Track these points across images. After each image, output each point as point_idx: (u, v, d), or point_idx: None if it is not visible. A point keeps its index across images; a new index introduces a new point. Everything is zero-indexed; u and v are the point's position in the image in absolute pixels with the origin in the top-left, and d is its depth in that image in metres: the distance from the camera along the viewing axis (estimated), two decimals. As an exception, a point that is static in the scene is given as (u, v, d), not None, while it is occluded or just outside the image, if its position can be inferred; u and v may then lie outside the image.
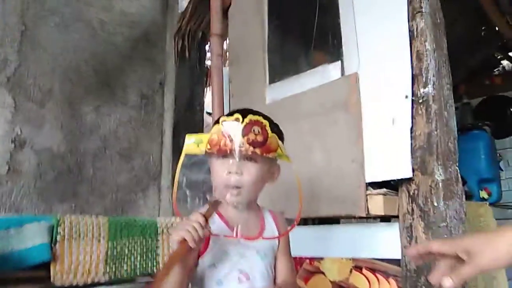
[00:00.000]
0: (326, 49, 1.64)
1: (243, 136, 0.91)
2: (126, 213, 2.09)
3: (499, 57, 4.10)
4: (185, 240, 0.83)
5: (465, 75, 3.55)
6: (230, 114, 0.96)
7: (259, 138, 0.93)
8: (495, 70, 4.17)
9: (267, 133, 0.94)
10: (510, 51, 3.81)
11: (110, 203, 2.03)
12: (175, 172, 0.97)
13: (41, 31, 1.89)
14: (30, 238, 1.26)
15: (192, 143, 0.94)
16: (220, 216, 1.00)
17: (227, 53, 2.76)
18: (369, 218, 1.45)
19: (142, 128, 2.26)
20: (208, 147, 0.93)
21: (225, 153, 0.92)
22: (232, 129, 0.91)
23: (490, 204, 2.05)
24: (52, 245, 1.33)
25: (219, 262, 0.95)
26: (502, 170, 3.11)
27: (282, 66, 1.84)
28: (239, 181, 0.94)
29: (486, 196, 2.49)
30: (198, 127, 2.51)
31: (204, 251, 0.96)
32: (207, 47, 2.74)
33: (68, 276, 1.34)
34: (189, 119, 2.47)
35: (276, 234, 1.04)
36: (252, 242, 0.99)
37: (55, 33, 1.94)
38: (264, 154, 0.94)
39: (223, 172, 0.94)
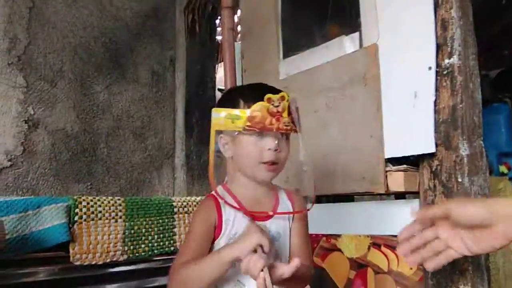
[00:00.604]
0: (343, 20, 1.57)
1: (288, 114, 0.91)
2: (141, 193, 2.10)
3: (520, 26, 3.94)
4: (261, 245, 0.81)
5: (484, 46, 3.42)
6: (263, 90, 0.92)
7: (296, 116, 0.94)
8: (515, 40, 4.02)
9: (298, 111, 0.96)
10: (533, 19, 3.65)
11: (125, 182, 2.04)
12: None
13: (49, 7, 1.85)
14: (48, 219, 1.27)
15: (224, 118, 0.90)
16: (234, 197, 0.97)
17: (238, 26, 2.69)
18: (383, 195, 1.42)
19: (154, 106, 2.24)
20: (248, 124, 0.88)
21: (267, 131, 0.90)
22: (280, 107, 0.89)
23: (510, 178, 2.00)
24: (70, 225, 1.33)
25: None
26: (521, 143, 3.02)
27: (297, 40, 1.78)
28: (277, 157, 0.93)
29: (505, 171, 2.43)
30: (210, 104, 2.48)
31: (219, 235, 0.94)
32: (217, 21, 2.68)
33: (87, 256, 1.35)
34: (201, 96, 2.44)
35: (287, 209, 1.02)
36: (266, 222, 0.96)
37: (64, 9, 1.90)
38: (298, 132, 0.95)
39: (260, 149, 0.92)
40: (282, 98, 0.90)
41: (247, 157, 0.93)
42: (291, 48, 1.78)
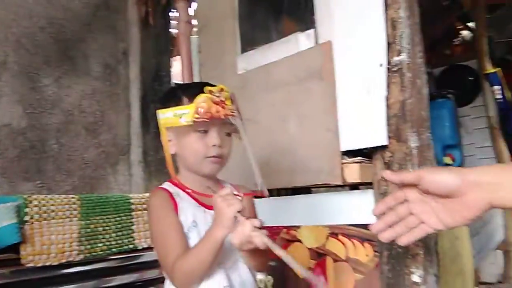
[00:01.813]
0: (298, 17, 1.61)
1: (232, 103, 0.97)
2: (96, 190, 2.02)
3: (459, 27, 4.23)
4: (239, 211, 0.86)
5: (428, 45, 3.65)
6: (200, 85, 0.98)
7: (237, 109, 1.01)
8: (455, 40, 4.31)
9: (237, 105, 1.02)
10: (470, 22, 3.94)
11: (79, 180, 1.95)
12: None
13: (-11, -5, 1.72)
14: (-3, 220, 1.20)
15: (172, 117, 0.95)
16: (183, 188, 1.02)
17: (194, 20, 2.65)
18: (339, 187, 1.49)
19: (107, 101, 2.16)
20: (197, 116, 0.92)
21: (217, 120, 0.95)
22: (222, 97, 0.95)
23: (453, 168, 2.15)
24: (21, 226, 1.26)
25: (190, 232, 0.96)
26: (461, 137, 3.27)
27: (254, 35, 1.79)
28: (221, 153, 0.99)
29: (450, 162, 2.61)
30: (166, 99, 2.43)
31: None
32: (172, 14, 2.62)
33: (40, 257, 1.29)
34: (157, 90, 2.39)
35: None
36: None
37: (6, -3, 1.77)
38: (242, 123, 1.00)
39: (204, 145, 0.97)
40: (222, 89, 0.96)
41: (192, 153, 0.98)
42: (249, 42, 1.79)
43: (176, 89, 1.12)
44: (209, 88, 0.95)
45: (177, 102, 0.98)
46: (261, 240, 0.84)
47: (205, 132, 0.97)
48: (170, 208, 0.97)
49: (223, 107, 0.94)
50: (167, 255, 0.93)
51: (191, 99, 0.95)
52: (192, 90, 0.98)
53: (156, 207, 0.99)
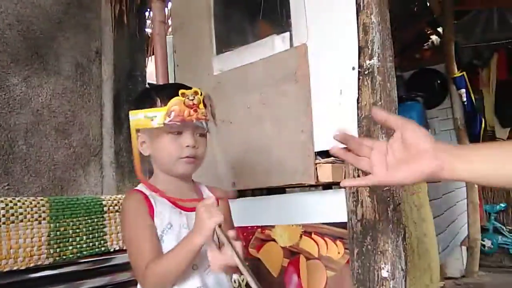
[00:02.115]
0: (274, 20, 1.63)
1: (204, 107, 0.97)
2: (66, 192, 1.97)
3: (428, 32, 4.38)
4: (220, 225, 0.87)
5: (398, 49, 3.76)
6: (175, 87, 0.98)
7: (212, 111, 1.02)
8: (425, 44, 4.47)
9: (213, 106, 1.03)
10: (439, 27, 4.09)
11: (48, 182, 1.90)
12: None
13: (-47, -10, 1.65)
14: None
15: (143, 118, 0.95)
16: (158, 191, 1.00)
17: (169, 20, 2.63)
18: (312, 187, 1.51)
19: (79, 100, 2.11)
20: (168, 119, 0.93)
21: (189, 123, 0.95)
22: (195, 100, 0.95)
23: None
24: (-13, 229, 1.22)
25: (165, 234, 0.96)
26: (430, 137, 3.39)
27: (230, 36, 1.80)
28: (195, 153, 0.99)
29: (418, 162, 2.70)
30: (140, 99, 2.40)
31: None
32: (146, 14, 2.59)
33: (7, 261, 1.24)
34: (131, 90, 2.35)
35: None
36: (193, 213, 0.99)
37: (-29, -8, 1.71)
38: (216, 126, 1.03)
39: (178, 146, 0.97)
40: (196, 92, 0.96)
41: (166, 154, 0.99)
42: (224, 44, 1.80)
43: (150, 90, 1.11)
44: (182, 90, 0.94)
45: (151, 104, 0.98)
46: (234, 261, 0.86)
47: (179, 133, 0.97)
48: (145, 211, 0.96)
49: (195, 111, 0.94)
50: (139, 258, 0.92)
51: (164, 101, 0.95)
52: (165, 92, 0.98)
53: (130, 210, 0.98)
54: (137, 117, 0.95)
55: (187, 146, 0.97)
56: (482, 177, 0.71)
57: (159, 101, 0.98)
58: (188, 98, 0.94)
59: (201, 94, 0.97)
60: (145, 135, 1.00)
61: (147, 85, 2.54)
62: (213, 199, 0.92)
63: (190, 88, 0.98)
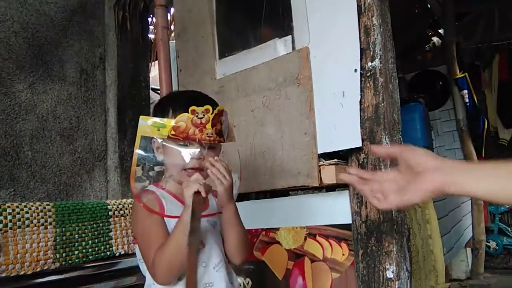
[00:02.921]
0: (276, 23, 1.64)
1: (212, 126, 0.96)
2: (71, 197, 1.99)
3: (430, 33, 4.39)
4: (198, 192, 0.90)
5: (400, 51, 3.77)
6: (190, 99, 1.00)
7: (224, 127, 1.01)
8: (426, 46, 4.47)
9: (228, 121, 1.03)
10: (440, 28, 4.10)
11: (53, 187, 1.91)
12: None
13: (-41, -1, 1.68)
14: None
15: (150, 126, 0.95)
16: (169, 192, 1.04)
17: (172, 25, 2.65)
18: (316, 189, 1.52)
19: (83, 106, 2.13)
20: (173, 133, 0.94)
21: (191, 141, 0.96)
22: (203, 119, 0.95)
23: (425, 170, 2.22)
24: (-5, 234, 1.23)
25: None
26: (433, 139, 3.39)
27: (232, 40, 1.82)
28: (201, 165, 1.00)
29: (421, 163, 2.70)
30: (143, 104, 2.42)
31: None
32: (149, 20, 2.62)
33: (14, 266, 1.25)
34: (134, 95, 2.37)
35: (217, 208, 1.08)
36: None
37: (-23, 1, 1.73)
38: (226, 141, 1.02)
39: (184, 157, 0.98)
40: (207, 110, 0.95)
41: (172, 164, 1.01)
42: (227, 48, 1.81)
43: (167, 98, 1.13)
44: (193, 108, 0.94)
45: (163, 113, 1.00)
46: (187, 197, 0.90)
47: (189, 143, 0.98)
48: (155, 208, 0.98)
49: (201, 131, 0.95)
50: (148, 251, 0.94)
51: (175, 114, 0.96)
52: (179, 103, 0.99)
53: (140, 209, 0.99)
54: (146, 124, 0.96)
55: (192, 158, 0.98)
56: (488, 193, 0.72)
57: (170, 112, 1.00)
58: (197, 116, 0.94)
59: (212, 113, 0.95)
60: (160, 142, 1.01)
61: (150, 91, 2.56)
62: (196, 175, 0.95)
63: (204, 103, 0.97)
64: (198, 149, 0.98)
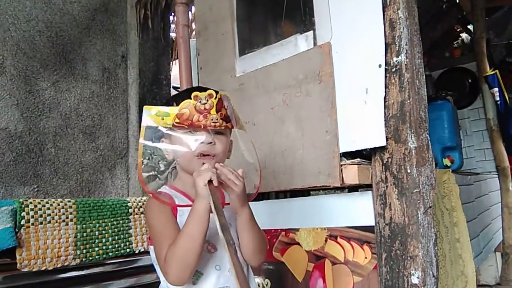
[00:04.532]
0: (298, 19, 1.61)
1: (217, 111, 0.94)
2: (93, 194, 2.01)
3: (458, 29, 4.23)
4: (211, 181, 0.87)
5: (427, 48, 3.65)
6: (192, 90, 0.97)
7: (229, 112, 0.98)
8: (454, 42, 4.31)
9: (233, 107, 1.00)
10: (469, 24, 3.94)
11: (76, 184, 1.94)
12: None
13: (-14, -1, 1.72)
14: (-8, 224, 1.18)
15: (154, 115, 0.93)
16: (182, 192, 1.02)
17: (193, 23, 2.64)
18: (337, 189, 1.47)
19: (105, 104, 2.15)
20: (177, 121, 0.92)
21: (197, 128, 0.94)
22: (207, 105, 0.92)
23: (453, 171, 2.15)
24: (17, 230, 1.25)
25: None
26: (461, 139, 3.26)
27: (253, 37, 1.79)
28: (212, 150, 0.97)
29: (449, 164, 2.60)
30: (165, 102, 2.43)
31: None
32: (171, 18, 2.62)
33: (36, 262, 1.27)
34: (156, 94, 2.38)
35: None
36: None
37: (4, 0, 1.77)
38: (233, 128, 0.99)
39: (193, 144, 0.95)
40: (210, 95, 0.93)
41: (182, 153, 0.97)
42: (247, 45, 1.79)
43: (179, 90, 1.11)
44: (196, 93, 0.92)
45: (167, 103, 0.99)
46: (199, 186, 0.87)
47: (195, 130, 0.95)
48: (168, 209, 0.97)
49: (205, 117, 0.92)
50: (161, 249, 0.92)
51: (178, 101, 0.94)
52: (181, 94, 0.98)
53: (155, 207, 0.98)
54: (150, 113, 0.93)
55: (201, 142, 0.95)
56: None
57: (174, 103, 0.97)
58: (200, 102, 0.92)
59: (215, 97, 0.93)
60: (167, 139, 0.99)
61: (171, 88, 2.57)
62: (207, 164, 0.91)
63: (205, 89, 0.95)
64: (207, 134, 0.95)
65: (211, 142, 0.95)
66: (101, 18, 2.18)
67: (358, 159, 1.35)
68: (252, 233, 1.00)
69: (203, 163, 0.94)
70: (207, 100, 0.92)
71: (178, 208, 0.98)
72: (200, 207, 0.88)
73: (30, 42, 1.84)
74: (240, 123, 1.04)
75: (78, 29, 2.06)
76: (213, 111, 0.93)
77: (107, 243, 1.52)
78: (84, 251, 1.43)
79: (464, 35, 4.25)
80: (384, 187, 1.28)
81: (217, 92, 0.94)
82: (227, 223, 0.85)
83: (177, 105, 0.93)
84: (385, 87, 1.27)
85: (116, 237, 1.56)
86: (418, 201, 1.19)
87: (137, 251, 1.62)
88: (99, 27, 2.16)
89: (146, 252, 1.65)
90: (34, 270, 1.27)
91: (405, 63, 1.25)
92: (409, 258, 1.17)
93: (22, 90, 1.78)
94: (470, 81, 3.71)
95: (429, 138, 1.27)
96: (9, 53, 1.76)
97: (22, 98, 1.77)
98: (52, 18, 1.94)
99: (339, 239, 1.41)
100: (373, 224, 1.32)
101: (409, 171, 1.21)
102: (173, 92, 2.67)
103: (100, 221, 1.52)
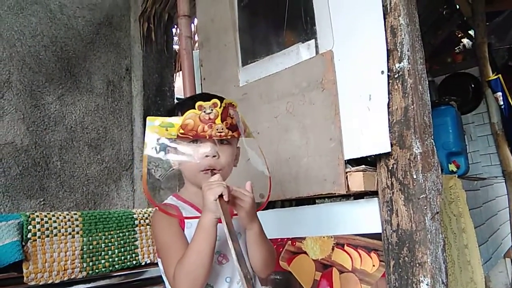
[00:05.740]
0: (299, 28, 1.62)
1: (222, 121, 0.92)
2: (99, 206, 2.01)
3: (459, 35, 4.24)
4: (222, 195, 0.84)
5: (428, 54, 3.65)
6: (197, 97, 0.96)
7: (235, 121, 0.95)
8: (456, 48, 4.32)
9: (239, 115, 0.97)
10: (470, 29, 3.95)
11: (81, 196, 1.95)
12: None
13: (-7, 16, 1.75)
14: (-1, 238, 1.18)
15: (158, 126, 0.91)
16: (188, 203, 1.01)
17: (196, 35, 2.67)
18: (343, 197, 1.46)
19: (110, 117, 2.17)
20: (182, 131, 0.90)
21: (201, 138, 0.92)
22: (212, 114, 0.90)
23: (459, 176, 2.13)
24: (23, 243, 1.25)
25: None
26: (466, 144, 3.25)
27: (255, 47, 1.80)
28: (216, 164, 0.95)
29: (455, 169, 2.58)
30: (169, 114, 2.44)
31: None
32: (173, 30, 2.66)
33: (42, 275, 1.27)
34: (160, 105, 2.40)
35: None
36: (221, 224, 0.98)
37: (10, 16, 1.80)
38: (240, 136, 0.97)
39: (198, 156, 0.94)
40: (215, 104, 0.90)
41: (187, 167, 0.97)
42: (249, 55, 1.80)
43: (176, 103, 1.11)
44: (200, 103, 0.90)
45: (171, 113, 0.98)
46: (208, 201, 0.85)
47: (199, 141, 0.94)
48: (175, 221, 0.96)
49: (210, 126, 0.90)
50: (169, 265, 0.91)
51: (183, 111, 0.92)
52: (185, 103, 0.96)
53: (160, 219, 0.97)
54: (153, 124, 0.91)
55: (206, 156, 0.94)
56: None
57: (179, 113, 0.95)
58: (204, 112, 0.90)
59: (220, 106, 0.91)
60: (172, 148, 0.97)
61: (175, 100, 2.59)
62: (217, 176, 0.89)
63: (211, 98, 0.92)
64: (209, 148, 0.93)
65: (215, 156, 0.94)
66: (105, 32, 2.21)
67: (363, 166, 1.34)
68: (261, 246, 0.98)
69: (212, 174, 0.93)
70: (212, 110, 0.90)
71: (185, 221, 0.96)
72: (208, 221, 0.86)
73: (36, 57, 1.87)
74: (248, 130, 1.02)
75: (83, 43, 2.09)
76: (218, 120, 0.91)
77: (113, 255, 1.52)
78: (91, 263, 1.43)
79: (465, 41, 4.26)
80: (390, 194, 1.27)
81: (222, 100, 0.92)
82: (237, 237, 0.84)
83: (182, 114, 0.91)
84: (388, 93, 1.27)
85: (122, 249, 1.56)
86: (425, 207, 1.18)
87: (143, 263, 1.62)
88: (103, 41, 2.19)
89: (153, 264, 1.64)
90: (40, 283, 1.27)
91: (408, 69, 1.25)
92: (417, 264, 1.16)
93: (28, 105, 1.80)
94: (473, 86, 3.71)
95: (434, 144, 1.27)
96: (15, 68, 1.78)
97: (28, 112, 1.79)
98: (57, 33, 1.97)
99: (346, 247, 1.39)
100: (380, 231, 1.31)
101: (415, 176, 1.20)
102: (177, 103, 2.68)
103: (106, 233, 1.52)
